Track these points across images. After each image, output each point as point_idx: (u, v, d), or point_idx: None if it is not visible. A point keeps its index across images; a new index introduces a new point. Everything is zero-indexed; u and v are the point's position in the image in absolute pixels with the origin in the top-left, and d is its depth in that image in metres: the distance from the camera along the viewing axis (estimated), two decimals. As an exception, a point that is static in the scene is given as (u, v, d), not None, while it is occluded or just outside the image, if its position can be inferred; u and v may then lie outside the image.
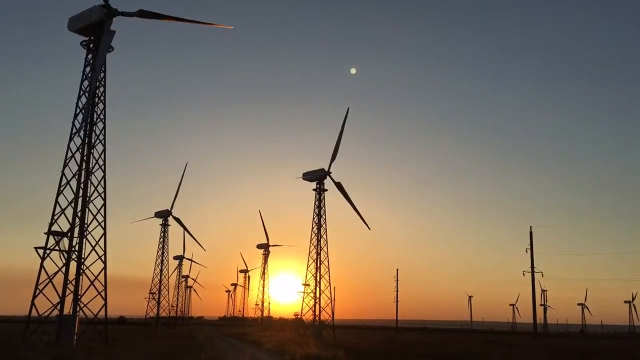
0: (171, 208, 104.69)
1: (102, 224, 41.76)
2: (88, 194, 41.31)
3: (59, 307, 39.14)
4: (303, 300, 79.70)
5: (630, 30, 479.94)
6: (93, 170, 41.86)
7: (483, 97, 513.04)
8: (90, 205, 41.51)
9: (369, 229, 75.48)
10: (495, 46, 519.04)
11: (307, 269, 77.65)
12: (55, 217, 40.32)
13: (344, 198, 74.52)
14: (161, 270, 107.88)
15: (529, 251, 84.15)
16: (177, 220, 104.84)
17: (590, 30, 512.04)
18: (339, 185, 74.74)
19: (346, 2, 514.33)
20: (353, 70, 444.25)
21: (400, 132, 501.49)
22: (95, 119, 42.41)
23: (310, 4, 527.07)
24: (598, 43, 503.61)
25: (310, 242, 76.91)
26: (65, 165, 41.28)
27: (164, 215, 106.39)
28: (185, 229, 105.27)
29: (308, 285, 78.79)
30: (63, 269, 39.63)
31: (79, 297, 40.07)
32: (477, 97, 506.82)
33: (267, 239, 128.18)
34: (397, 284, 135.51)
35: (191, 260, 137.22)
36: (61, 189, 40.85)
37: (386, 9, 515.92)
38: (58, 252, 39.93)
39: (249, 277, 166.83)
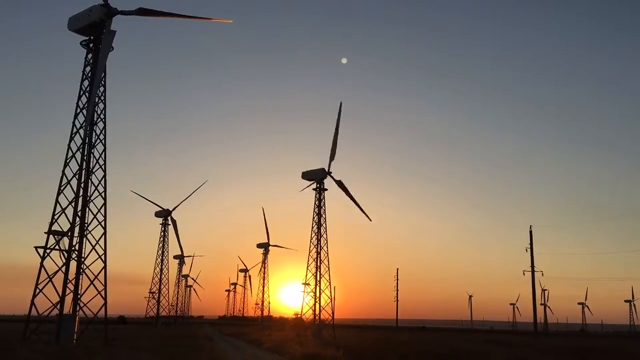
0: (173, 209, 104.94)
1: (102, 223, 41.85)
2: (88, 194, 41.40)
3: (58, 306, 39.24)
4: (303, 300, 79.86)
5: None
6: (93, 170, 41.96)
7: (483, 95, 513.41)
8: (91, 205, 41.63)
9: (370, 220, 76.77)
10: (496, 41, 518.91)
11: (307, 268, 77.80)
12: (56, 217, 40.45)
13: (346, 195, 74.92)
14: (161, 270, 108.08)
15: (529, 250, 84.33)
16: (173, 222, 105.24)
17: (589, 31, 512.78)
18: (339, 183, 74.91)
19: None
20: (344, 60, 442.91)
21: (399, 132, 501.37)
22: (95, 119, 42.49)
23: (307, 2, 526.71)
24: (598, 44, 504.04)
25: (311, 241, 77.06)
26: (66, 164, 41.38)
27: (164, 215, 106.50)
28: (176, 232, 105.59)
29: (308, 284, 78.87)
30: (63, 269, 39.75)
31: (79, 296, 40.15)
32: (477, 95, 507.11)
33: (267, 238, 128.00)
34: (397, 283, 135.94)
35: (184, 257, 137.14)
36: (61, 188, 40.96)
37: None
38: (58, 251, 40.05)
39: (249, 276, 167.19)
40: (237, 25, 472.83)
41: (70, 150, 41.54)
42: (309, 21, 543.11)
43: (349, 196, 74.86)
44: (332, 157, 74.80)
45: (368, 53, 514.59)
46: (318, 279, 76.30)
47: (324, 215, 76.76)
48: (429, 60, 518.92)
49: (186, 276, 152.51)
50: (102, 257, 41.57)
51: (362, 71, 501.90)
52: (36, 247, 40.09)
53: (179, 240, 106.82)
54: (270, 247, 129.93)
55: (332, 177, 75.71)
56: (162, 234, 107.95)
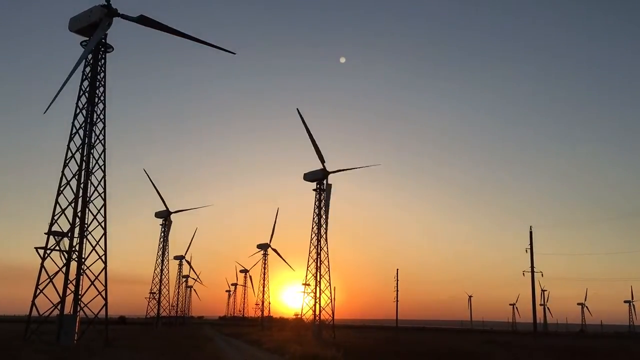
0: (174, 212, 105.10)
1: (102, 224, 41.89)
2: (88, 194, 41.44)
3: (59, 307, 39.30)
4: (303, 300, 79.90)
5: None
6: (93, 171, 41.99)
7: (482, 95, 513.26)
8: (90, 206, 41.66)
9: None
10: (495, 44, 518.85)
11: (307, 269, 77.81)
12: (56, 217, 40.52)
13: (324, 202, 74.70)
14: (161, 270, 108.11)
15: (528, 251, 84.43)
16: (169, 223, 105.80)
17: (589, 31, 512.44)
18: (328, 187, 74.84)
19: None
20: (342, 59, 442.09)
21: (399, 133, 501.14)
22: (95, 119, 42.52)
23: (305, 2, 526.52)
24: (600, 43, 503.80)
25: (311, 242, 77.04)
26: (65, 165, 41.44)
27: (163, 215, 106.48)
28: (167, 233, 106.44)
29: (308, 285, 78.88)
30: (63, 269, 39.81)
31: (80, 297, 40.20)
32: (477, 96, 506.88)
33: (270, 239, 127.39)
34: (397, 283, 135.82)
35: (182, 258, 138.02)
36: (61, 189, 41.02)
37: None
38: (58, 252, 40.10)
39: (250, 276, 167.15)
40: (236, 26, 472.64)
41: (69, 151, 41.59)
42: (307, 23, 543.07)
43: (325, 205, 74.87)
44: (322, 160, 74.83)
45: (367, 52, 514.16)
46: (318, 279, 76.32)
47: (324, 216, 76.80)
48: (428, 60, 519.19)
49: (187, 277, 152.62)
50: (103, 257, 41.63)
51: (360, 70, 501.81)
52: (36, 248, 40.15)
53: (166, 241, 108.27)
54: (270, 250, 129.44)
55: (326, 178, 75.83)
56: (162, 234, 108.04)
